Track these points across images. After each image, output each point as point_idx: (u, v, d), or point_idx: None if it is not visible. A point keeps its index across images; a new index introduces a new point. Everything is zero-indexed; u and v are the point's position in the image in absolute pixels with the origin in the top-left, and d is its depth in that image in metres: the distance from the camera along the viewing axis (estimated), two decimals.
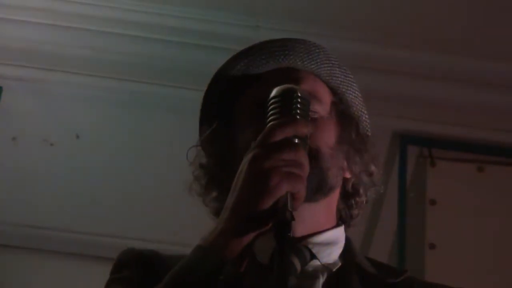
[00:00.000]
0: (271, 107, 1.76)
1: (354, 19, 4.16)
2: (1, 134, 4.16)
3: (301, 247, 1.85)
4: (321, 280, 1.87)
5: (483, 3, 4.04)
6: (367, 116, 2.12)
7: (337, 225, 1.99)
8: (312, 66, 2.01)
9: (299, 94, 1.76)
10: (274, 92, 1.78)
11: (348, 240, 2.00)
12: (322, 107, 1.97)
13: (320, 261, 1.88)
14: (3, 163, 4.17)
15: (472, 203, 4.16)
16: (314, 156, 1.85)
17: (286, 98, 1.76)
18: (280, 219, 1.61)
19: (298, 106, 1.74)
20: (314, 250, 1.87)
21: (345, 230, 2.02)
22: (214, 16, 4.19)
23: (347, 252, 1.97)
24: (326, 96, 2.01)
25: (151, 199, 3.96)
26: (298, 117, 1.73)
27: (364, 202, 2.05)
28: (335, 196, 1.98)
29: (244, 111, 1.99)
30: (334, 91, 2.04)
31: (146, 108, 4.25)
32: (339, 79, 2.05)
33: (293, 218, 1.61)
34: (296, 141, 1.69)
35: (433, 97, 4.29)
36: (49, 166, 4.27)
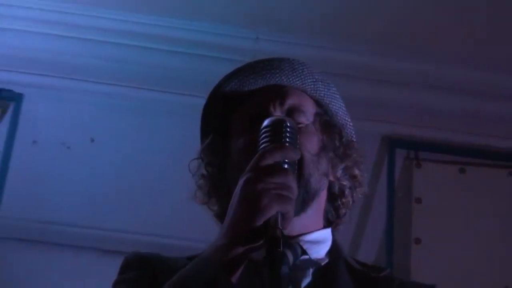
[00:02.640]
0: (263, 135, 1.79)
1: (348, 31, 4.16)
2: (22, 138, 4.15)
3: (294, 243, 1.87)
4: (311, 271, 1.89)
5: (465, 14, 4.02)
6: (351, 124, 2.14)
7: (325, 227, 2.02)
8: (297, 81, 2.03)
9: (288, 124, 1.79)
10: (266, 122, 1.81)
11: (335, 241, 2.02)
12: (306, 118, 2.00)
13: (310, 256, 1.89)
14: (24, 164, 4.17)
15: (455, 201, 4.17)
16: (299, 162, 1.87)
17: (276, 127, 1.79)
18: (271, 236, 1.64)
19: (287, 134, 1.77)
20: (304, 247, 1.89)
21: (333, 231, 2.04)
22: (217, 29, 4.20)
23: (334, 250, 1.99)
24: (310, 108, 2.04)
25: (158, 197, 4.00)
26: (287, 144, 1.75)
27: (351, 202, 2.07)
28: (322, 199, 2.01)
29: (238, 124, 2.02)
30: (318, 103, 2.07)
31: (154, 113, 4.27)
32: (323, 92, 2.07)
33: (283, 236, 1.64)
34: (286, 165, 1.72)
35: (419, 104, 4.31)
36: (65, 167, 4.26)
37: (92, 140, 4.32)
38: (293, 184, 1.70)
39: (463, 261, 4.02)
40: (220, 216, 2.02)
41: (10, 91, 4.19)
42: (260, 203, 1.65)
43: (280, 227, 1.65)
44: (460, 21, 4.08)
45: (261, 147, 1.77)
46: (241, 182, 1.72)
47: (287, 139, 1.78)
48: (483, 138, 4.30)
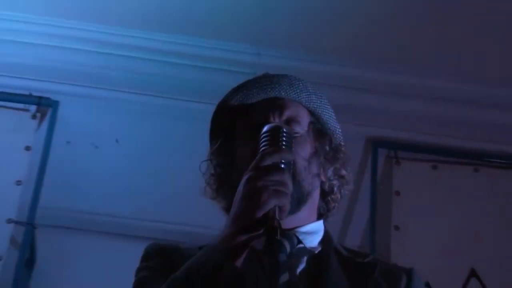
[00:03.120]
0: (263, 139, 1.83)
1: (336, 47, 4.17)
2: (58, 139, 4.18)
3: (290, 234, 1.88)
4: (305, 258, 1.90)
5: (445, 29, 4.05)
6: (340, 130, 2.14)
7: (317, 219, 2.02)
8: (294, 95, 2.04)
9: (284, 130, 1.82)
10: (265, 128, 1.85)
11: (326, 231, 2.02)
12: (301, 127, 2.01)
13: (305, 245, 1.91)
14: (60, 161, 4.19)
15: (428, 193, 4.21)
16: (295, 165, 1.90)
17: (274, 133, 1.82)
18: (270, 225, 1.67)
19: (284, 139, 1.81)
20: (300, 237, 1.90)
21: (325, 222, 2.05)
22: (223, 45, 4.22)
23: (326, 239, 1.99)
24: (305, 118, 2.05)
25: (173, 189, 4.04)
26: (283, 147, 1.79)
27: (339, 198, 2.09)
28: (315, 197, 2.02)
29: (242, 131, 2.03)
30: (312, 113, 2.07)
31: (169, 117, 4.30)
32: (316, 103, 2.07)
33: (280, 226, 1.68)
34: (282, 165, 1.76)
35: (399, 110, 4.33)
36: (94, 163, 4.30)
37: (117, 141, 4.35)
38: (289, 181, 1.73)
39: (436, 244, 4.04)
40: (227, 209, 2.02)
41: (48, 98, 4.21)
42: (260, 198, 1.68)
43: (278, 218, 1.68)
44: (430, 36, 4.09)
45: (261, 149, 1.80)
46: (243, 180, 1.75)
47: (284, 143, 1.81)
48: (452, 140, 4.32)
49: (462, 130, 4.33)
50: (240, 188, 1.75)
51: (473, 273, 3.92)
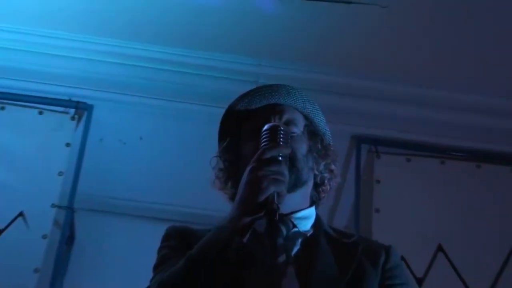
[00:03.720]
0: (263, 137, 1.85)
1: (327, 58, 4.16)
2: (92, 136, 4.21)
3: (286, 219, 1.89)
4: (299, 241, 1.91)
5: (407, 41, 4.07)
6: (329, 132, 2.15)
7: (310, 206, 2.03)
8: (291, 101, 2.07)
9: (282, 128, 1.86)
10: (265, 127, 1.87)
11: (318, 216, 2.03)
12: (298, 129, 2.03)
13: (299, 229, 1.92)
14: (94, 155, 4.22)
15: (403, 182, 4.21)
16: (292, 160, 1.91)
17: (273, 131, 1.85)
18: (270, 208, 1.72)
19: (281, 136, 1.83)
20: (295, 222, 1.92)
21: (316, 208, 2.06)
22: (229, 57, 4.21)
23: (317, 224, 1.99)
24: (300, 121, 2.06)
25: (188, 178, 4.03)
26: (281, 143, 1.82)
27: (329, 189, 2.10)
28: (309, 187, 2.03)
29: (247, 132, 2.05)
30: (306, 117, 2.09)
31: (184, 118, 4.30)
32: (309, 109, 2.09)
33: (278, 208, 1.73)
34: (280, 158, 1.79)
35: (379, 112, 4.33)
36: (123, 157, 4.33)
37: (141, 138, 4.37)
38: (285, 172, 1.77)
39: (410, 224, 4.04)
40: (233, 198, 2.00)
41: (84, 103, 4.24)
42: (261, 185, 1.72)
43: (276, 203, 1.73)
44: (406, 48, 4.09)
45: (262, 145, 1.82)
46: (247, 170, 1.78)
47: (281, 139, 1.83)
48: (423, 137, 4.32)
49: (431, 129, 4.34)
50: (244, 177, 1.78)
51: (440, 248, 3.97)
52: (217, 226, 1.79)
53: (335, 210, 4.30)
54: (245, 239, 1.76)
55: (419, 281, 3.86)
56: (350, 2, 3.85)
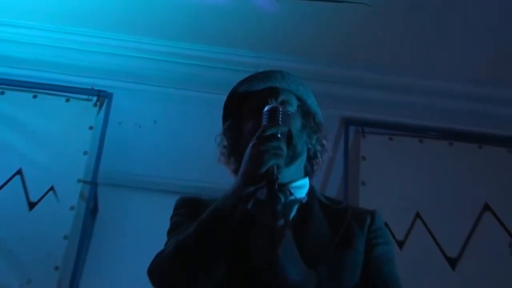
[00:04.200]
0: (264, 116, 1.85)
1: (317, 51, 4.16)
2: (112, 120, 4.22)
3: (284, 188, 1.88)
4: (296, 207, 1.91)
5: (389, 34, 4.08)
6: (320, 112, 2.13)
7: (305, 177, 2.02)
8: (285, 85, 2.04)
9: (280, 109, 1.85)
10: (266, 108, 1.86)
11: (311, 185, 2.02)
12: (292, 108, 2.01)
13: (295, 197, 1.91)
14: (114, 137, 4.23)
15: (386, 158, 4.21)
16: (289, 135, 1.90)
17: (273, 111, 1.85)
18: (270, 179, 1.72)
19: (280, 116, 1.83)
20: (292, 191, 1.91)
21: (310, 179, 2.04)
22: (232, 51, 4.20)
23: (311, 192, 1.99)
24: (294, 102, 2.04)
25: (198, 156, 3.92)
26: (280, 122, 1.82)
27: (321, 161, 2.08)
28: (303, 159, 2.02)
29: (248, 112, 2.03)
30: (299, 99, 2.07)
31: (192, 104, 4.30)
32: (302, 91, 2.07)
33: (278, 179, 1.73)
34: (279, 135, 1.78)
35: (365, 98, 4.31)
36: (139, 138, 4.37)
37: (155, 122, 4.39)
38: (284, 147, 1.77)
39: (391, 195, 4.04)
40: (236, 171, 1.99)
41: (105, 91, 4.24)
42: (263, 159, 1.72)
43: (276, 174, 1.73)
44: (387, 41, 4.11)
45: (263, 124, 1.81)
46: (250, 146, 1.77)
47: (280, 119, 1.83)
48: (403, 119, 4.31)
49: (410, 112, 4.33)
50: (247, 152, 1.78)
51: (418, 215, 4.01)
52: (223, 195, 1.79)
53: (326, 183, 4.34)
54: (248, 206, 1.78)
55: (400, 244, 3.89)
56: (339, 1, 3.86)
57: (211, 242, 1.73)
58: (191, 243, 1.75)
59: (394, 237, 3.88)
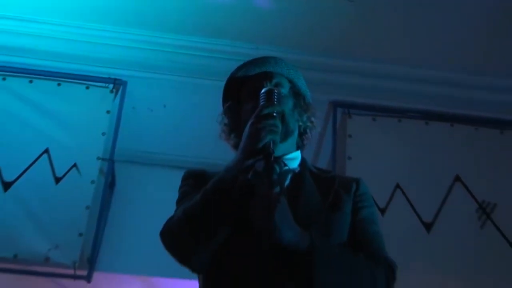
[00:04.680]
0: (262, 97, 1.85)
1: (309, 43, 4.17)
2: (127, 105, 4.21)
3: (279, 160, 1.86)
4: (289, 176, 1.91)
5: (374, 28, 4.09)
6: (310, 94, 2.12)
7: (296, 150, 2.01)
8: (278, 69, 2.04)
9: (276, 91, 1.85)
10: (263, 90, 1.86)
11: (303, 157, 2.02)
12: (284, 89, 2.00)
13: (289, 167, 1.91)
14: (128, 120, 4.24)
15: (369, 136, 4.18)
16: (282, 114, 1.89)
17: (269, 93, 1.85)
18: (267, 153, 1.74)
19: (275, 97, 1.84)
20: (286, 162, 1.91)
21: (301, 152, 2.04)
22: (233, 43, 4.19)
23: (303, 163, 1.99)
24: (286, 84, 2.03)
25: (203, 135, 3.85)
26: (275, 102, 1.82)
27: (310, 136, 2.07)
28: (295, 135, 2.00)
29: (246, 94, 2.02)
30: (291, 81, 2.05)
31: (196, 89, 4.28)
32: (293, 74, 2.07)
33: (273, 152, 1.75)
34: (275, 114, 1.79)
35: (350, 83, 4.31)
36: (150, 120, 4.37)
37: (164, 106, 4.38)
38: (279, 124, 1.78)
39: (374, 168, 4.01)
40: (236, 146, 2.01)
41: (120, 79, 4.23)
42: (260, 135, 1.74)
43: (272, 148, 1.75)
44: (369, 32, 4.13)
45: (260, 104, 1.82)
46: (249, 124, 1.78)
47: (275, 99, 1.83)
48: (384, 101, 4.30)
49: (391, 95, 4.32)
50: (247, 129, 1.78)
51: (397, 186, 4.01)
52: (225, 167, 1.80)
53: (317, 158, 4.34)
54: (249, 176, 1.78)
55: (382, 211, 3.89)
56: None
57: (215, 208, 1.75)
58: (197, 210, 1.77)
59: (376, 205, 3.78)
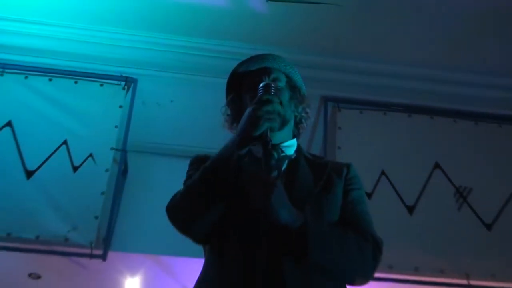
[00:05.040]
0: (260, 90, 1.84)
1: (302, 44, 4.16)
2: (137, 100, 4.21)
3: (277, 147, 1.87)
4: (286, 162, 1.90)
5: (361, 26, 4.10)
6: (304, 88, 2.09)
7: (293, 138, 1.99)
8: (276, 65, 2.02)
9: (272, 85, 1.85)
10: (261, 84, 1.86)
11: (298, 145, 2.00)
12: (281, 83, 1.98)
13: (286, 153, 1.91)
14: (139, 114, 4.23)
15: (357, 128, 4.20)
16: (280, 102, 1.86)
17: (267, 87, 1.84)
18: (265, 141, 1.75)
19: (272, 90, 1.83)
20: (283, 149, 1.90)
21: (297, 140, 2.01)
22: (232, 44, 4.17)
23: (298, 150, 1.97)
24: (283, 78, 2.01)
25: (207, 127, 3.71)
26: (272, 93, 1.82)
27: (305, 126, 2.06)
28: (291, 125, 1.99)
29: (246, 87, 2.00)
30: (287, 76, 2.03)
31: (201, 86, 4.25)
32: (289, 70, 2.04)
33: (271, 140, 1.75)
34: (271, 98, 1.78)
35: (340, 80, 4.29)
36: (159, 114, 4.36)
37: (171, 101, 4.38)
38: (278, 107, 1.79)
39: (361, 156, 4.01)
40: None
41: (131, 77, 4.23)
42: (259, 120, 1.73)
43: (269, 137, 1.75)
44: (355, 33, 4.12)
45: (259, 95, 1.81)
46: (248, 110, 1.78)
47: (272, 92, 1.82)
48: (371, 96, 4.30)
49: (376, 90, 4.33)
50: (246, 113, 1.78)
51: (383, 172, 4.02)
52: (223, 147, 1.79)
53: (310, 148, 4.33)
54: (243, 152, 1.77)
55: (369, 195, 3.90)
56: (317, 3, 3.87)
57: (212, 183, 1.74)
58: (197, 184, 1.77)
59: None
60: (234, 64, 2.07)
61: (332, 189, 1.88)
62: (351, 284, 1.81)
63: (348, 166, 1.99)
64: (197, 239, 1.83)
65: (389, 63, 4.27)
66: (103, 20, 4.12)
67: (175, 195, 1.84)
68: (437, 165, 4.10)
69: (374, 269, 1.81)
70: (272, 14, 3.99)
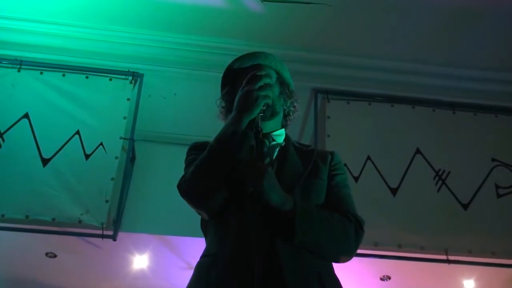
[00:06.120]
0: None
1: (295, 41, 4.13)
2: (143, 93, 4.16)
3: (268, 136, 1.87)
4: (277, 149, 1.90)
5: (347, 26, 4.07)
6: (293, 83, 2.07)
7: (282, 128, 1.98)
8: (267, 62, 2.00)
9: (258, 73, 1.83)
10: (249, 75, 1.83)
11: (287, 134, 1.99)
12: (272, 80, 1.94)
13: (276, 142, 1.91)
14: (145, 105, 4.18)
15: (345, 117, 4.17)
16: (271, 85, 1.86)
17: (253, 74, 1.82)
18: (256, 130, 1.74)
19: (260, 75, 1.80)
20: (274, 137, 1.91)
21: (286, 130, 2.00)
22: (230, 41, 4.13)
23: (287, 139, 1.97)
24: (274, 75, 1.99)
25: (204, 117, 3.78)
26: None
27: (293, 118, 2.04)
28: (280, 116, 1.98)
29: (240, 82, 1.92)
30: (277, 73, 2.01)
31: (202, 80, 4.18)
32: (279, 67, 2.03)
33: (262, 130, 1.75)
34: (264, 74, 1.79)
35: (329, 73, 4.27)
36: (164, 105, 4.35)
37: (175, 94, 4.36)
38: (269, 80, 1.81)
39: (349, 143, 4.00)
40: None
41: (138, 72, 4.19)
42: (253, 97, 1.74)
43: (260, 127, 1.75)
44: (343, 31, 4.09)
45: (251, 73, 1.81)
46: (242, 86, 1.78)
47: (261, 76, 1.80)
48: (356, 88, 4.27)
49: (362, 83, 4.30)
50: (239, 93, 1.79)
51: (368, 158, 4.01)
52: (224, 125, 1.79)
53: (302, 136, 4.34)
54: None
55: (355, 179, 3.89)
56: (308, 3, 3.85)
57: (220, 157, 1.73)
58: (205, 160, 1.74)
59: (351, 173, 3.88)
60: (231, 59, 2.05)
61: (318, 174, 1.88)
62: (336, 261, 1.81)
63: (332, 153, 1.99)
64: (210, 213, 1.79)
65: (373, 57, 4.24)
66: (112, 20, 4.09)
67: (184, 175, 1.81)
68: (418, 151, 4.09)
69: (356, 247, 1.82)
70: (266, 13, 3.96)
